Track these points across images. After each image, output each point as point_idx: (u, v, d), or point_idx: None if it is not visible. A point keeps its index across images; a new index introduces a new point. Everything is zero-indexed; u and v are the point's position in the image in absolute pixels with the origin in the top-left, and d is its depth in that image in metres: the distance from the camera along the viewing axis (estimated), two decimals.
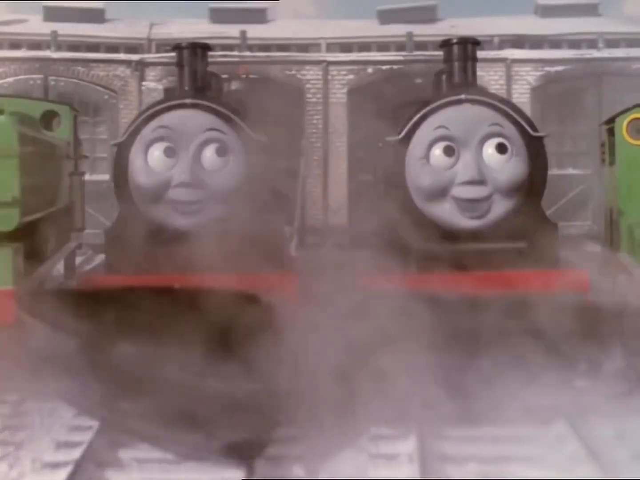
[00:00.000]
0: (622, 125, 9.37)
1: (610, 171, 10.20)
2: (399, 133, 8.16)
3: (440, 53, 8.69)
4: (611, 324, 6.94)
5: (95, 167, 18.09)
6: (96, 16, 21.76)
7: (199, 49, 8.60)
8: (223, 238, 7.79)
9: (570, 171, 18.50)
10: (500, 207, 7.87)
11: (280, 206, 8.96)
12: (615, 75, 18.62)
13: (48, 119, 10.92)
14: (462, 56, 8.47)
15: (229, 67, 18.26)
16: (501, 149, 7.85)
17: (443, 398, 6.71)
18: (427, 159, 7.89)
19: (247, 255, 7.81)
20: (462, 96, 8.09)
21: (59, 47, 19.23)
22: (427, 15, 21.98)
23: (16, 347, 6.84)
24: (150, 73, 18.75)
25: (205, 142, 7.88)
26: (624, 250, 9.12)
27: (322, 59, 19.16)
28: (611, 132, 9.95)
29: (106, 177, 16.78)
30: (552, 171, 8.27)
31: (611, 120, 10.06)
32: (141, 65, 18.77)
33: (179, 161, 7.83)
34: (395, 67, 18.91)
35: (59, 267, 10.95)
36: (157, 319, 6.60)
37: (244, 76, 18.85)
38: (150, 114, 8.15)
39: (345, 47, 20.65)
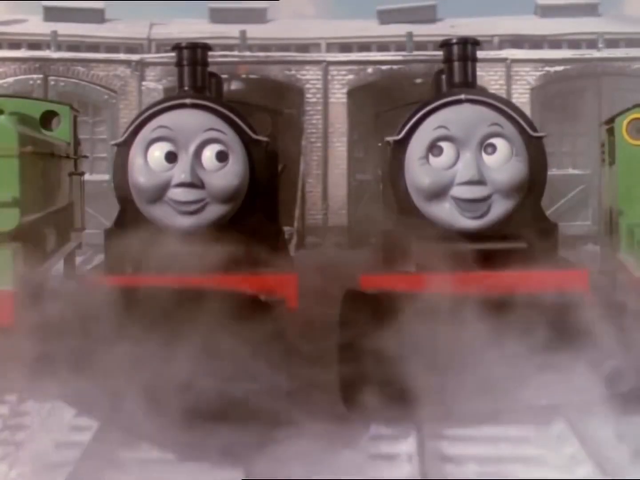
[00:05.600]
0: (622, 125, 9.37)
1: (610, 171, 10.20)
2: (399, 133, 8.16)
3: (440, 53, 8.69)
4: (611, 323, 6.95)
5: (95, 167, 18.10)
6: (96, 16, 21.76)
7: (199, 49, 8.58)
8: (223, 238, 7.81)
9: (570, 171, 18.51)
10: (500, 207, 7.86)
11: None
12: (615, 75, 18.64)
13: (48, 119, 10.92)
14: (462, 56, 8.45)
15: (229, 67, 18.28)
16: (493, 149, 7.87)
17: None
18: (427, 159, 7.89)
19: (247, 255, 7.82)
20: (462, 96, 8.08)
21: (59, 47, 19.24)
22: (427, 15, 21.99)
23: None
24: (150, 73, 18.76)
25: (205, 142, 7.87)
26: (624, 250, 9.12)
27: (322, 59, 19.17)
28: (611, 132, 9.95)
29: (106, 177, 16.80)
30: (552, 171, 8.24)
31: (611, 120, 10.06)
32: (141, 65, 18.77)
33: (179, 161, 7.83)
34: (395, 67, 18.92)
35: (59, 267, 10.95)
36: (157, 319, 6.60)
37: (243, 76, 18.87)
38: (150, 113, 8.14)
39: (345, 47, 20.66)
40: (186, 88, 8.49)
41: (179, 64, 8.57)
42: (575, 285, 7.57)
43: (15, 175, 7.43)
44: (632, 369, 6.96)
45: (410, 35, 19.17)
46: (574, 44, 20.40)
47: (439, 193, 7.85)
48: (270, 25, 21.99)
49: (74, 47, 19.94)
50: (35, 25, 21.23)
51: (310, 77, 18.85)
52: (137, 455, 6.28)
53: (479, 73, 8.75)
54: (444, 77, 8.59)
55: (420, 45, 19.39)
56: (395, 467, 6.04)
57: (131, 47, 20.45)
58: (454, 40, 8.54)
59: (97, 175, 17.82)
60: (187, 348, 6.56)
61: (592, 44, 19.88)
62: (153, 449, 6.33)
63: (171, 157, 7.85)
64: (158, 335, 6.67)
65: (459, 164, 7.85)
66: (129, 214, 8.07)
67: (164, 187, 7.81)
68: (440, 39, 8.97)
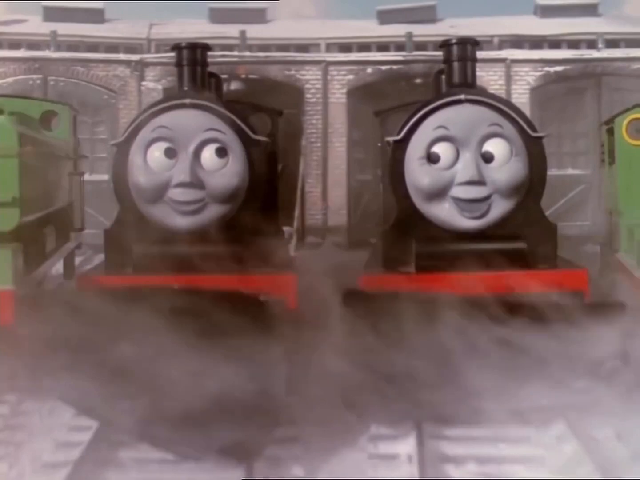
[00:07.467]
0: (622, 125, 9.38)
1: (610, 171, 10.20)
2: (399, 133, 8.16)
3: (440, 53, 8.69)
4: (611, 323, 6.94)
5: (95, 167, 18.09)
6: (96, 16, 21.76)
7: (198, 49, 8.59)
8: (222, 238, 7.81)
9: (570, 171, 18.50)
10: (499, 207, 7.87)
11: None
12: (614, 75, 18.62)
13: (47, 119, 10.92)
14: (462, 56, 8.46)
15: (228, 67, 18.28)
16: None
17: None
18: (427, 159, 7.89)
19: (246, 255, 7.82)
20: (462, 96, 8.09)
21: (59, 47, 19.23)
22: (427, 15, 21.98)
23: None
24: (150, 73, 18.75)
25: (205, 142, 7.88)
26: (624, 250, 9.12)
27: (321, 59, 19.16)
28: (611, 132, 9.95)
29: (106, 177, 16.78)
30: (552, 171, 8.23)
31: (611, 121, 10.06)
32: (141, 65, 18.77)
33: (179, 161, 7.84)
34: (394, 67, 18.92)
35: (59, 267, 10.95)
36: (156, 319, 6.60)
37: (243, 76, 18.87)
38: (150, 114, 8.15)
39: (345, 47, 20.65)
40: (186, 88, 8.50)
41: (178, 64, 8.57)
42: (574, 285, 7.58)
43: (15, 175, 7.44)
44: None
45: (410, 35, 19.17)
46: (574, 44, 20.39)
47: (438, 193, 7.86)
48: (270, 26, 21.99)
49: (73, 47, 19.94)
50: (35, 25, 21.22)
51: (310, 77, 18.85)
52: (137, 455, 6.28)
53: (478, 73, 8.76)
54: (443, 77, 8.60)
55: (420, 46, 19.39)
56: (395, 467, 6.04)
57: (131, 47, 20.44)
58: (454, 41, 8.55)
59: (97, 175, 17.81)
60: (186, 348, 6.56)
61: (592, 44, 19.88)
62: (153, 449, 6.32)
63: (171, 157, 7.86)
64: (157, 336, 6.67)
65: (458, 164, 7.86)
66: (129, 214, 8.07)
67: (163, 187, 7.82)
68: (440, 39, 8.98)
